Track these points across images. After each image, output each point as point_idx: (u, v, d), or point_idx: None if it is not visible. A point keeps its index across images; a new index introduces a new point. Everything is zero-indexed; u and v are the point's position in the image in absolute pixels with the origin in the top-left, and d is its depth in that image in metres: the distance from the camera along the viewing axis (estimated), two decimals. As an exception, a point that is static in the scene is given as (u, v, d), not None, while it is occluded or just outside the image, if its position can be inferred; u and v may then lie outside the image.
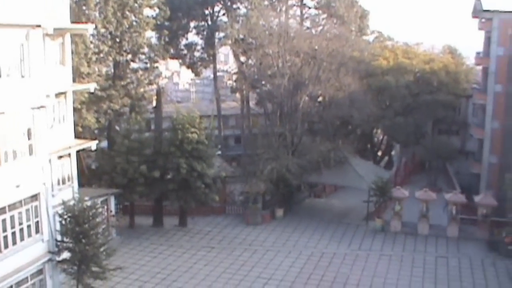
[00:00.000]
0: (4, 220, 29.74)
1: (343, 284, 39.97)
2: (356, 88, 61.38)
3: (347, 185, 59.22)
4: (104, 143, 55.92)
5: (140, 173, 46.48)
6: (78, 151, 39.61)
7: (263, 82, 66.52)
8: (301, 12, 76.51)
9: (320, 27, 74.59)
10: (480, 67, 69.48)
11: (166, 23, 63.54)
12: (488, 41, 62.36)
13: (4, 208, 29.59)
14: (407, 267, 43.19)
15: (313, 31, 73.24)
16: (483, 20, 62.33)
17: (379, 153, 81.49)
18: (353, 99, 61.20)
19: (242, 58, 72.58)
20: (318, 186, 65.54)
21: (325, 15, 76.02)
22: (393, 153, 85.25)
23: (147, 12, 56.12)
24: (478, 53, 67.99)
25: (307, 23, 76.94)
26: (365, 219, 53.35)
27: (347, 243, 48.42)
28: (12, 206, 30.28)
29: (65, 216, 33.22)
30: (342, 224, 53.39)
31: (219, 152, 65.88)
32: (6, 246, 30.08)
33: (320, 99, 65.70)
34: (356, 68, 64.22)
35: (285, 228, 52.09)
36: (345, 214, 57.25)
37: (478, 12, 62.41)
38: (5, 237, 30.01)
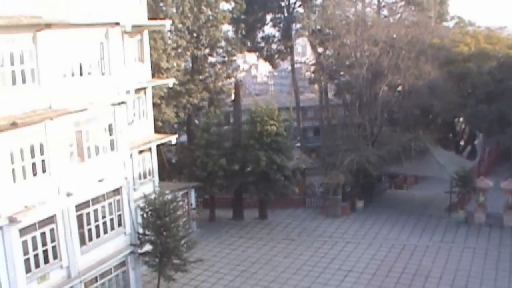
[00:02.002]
0: (88, 214, 30.44)
1: (425, 277, 39.14)
2: (436, 76, 60.27)
3: (429, 175, 58.19)
4: (184, 137, 56.83)
5: (219, 166, 46.61)
6: (158, 146, 40.42)
7: (341, 73, 66.32)
8: (378, 0, 75.44)
9: (398, 15, 73.43)
10: None
11: (242, 17, 63.98)
12: None
13: (87, 202, 30.29)
14: (492, 261, 41.72)
15: (391, 19, 72.17)
16: None
17: (461, 143, 79.64)
18: (433, 87, 60.16)
19: (320, 49, 72.33)
20: (399, 177, 64.55)
21: (402, 3, 74.82)
22: (476, 142, 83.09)
23: (223, 6, 56.80)
24: None
25: (385, 12, 75.93)
26: (448, 211, 52.17)
27: (429, 235, 47.43)
28: (95, 200, 30.93)
29: (147, 210, 33.83)
30: (423, 215, 52.30)
31: (298, 144, 66.06)
32: (90, 239, 30.76)
33: (399, 88, 64.93)
34: (436, 56, 62.90)
35: (366, 220, 51.49)
36: (426, 205, 56.13)
37: None
38: (89, 230, 30.68)
